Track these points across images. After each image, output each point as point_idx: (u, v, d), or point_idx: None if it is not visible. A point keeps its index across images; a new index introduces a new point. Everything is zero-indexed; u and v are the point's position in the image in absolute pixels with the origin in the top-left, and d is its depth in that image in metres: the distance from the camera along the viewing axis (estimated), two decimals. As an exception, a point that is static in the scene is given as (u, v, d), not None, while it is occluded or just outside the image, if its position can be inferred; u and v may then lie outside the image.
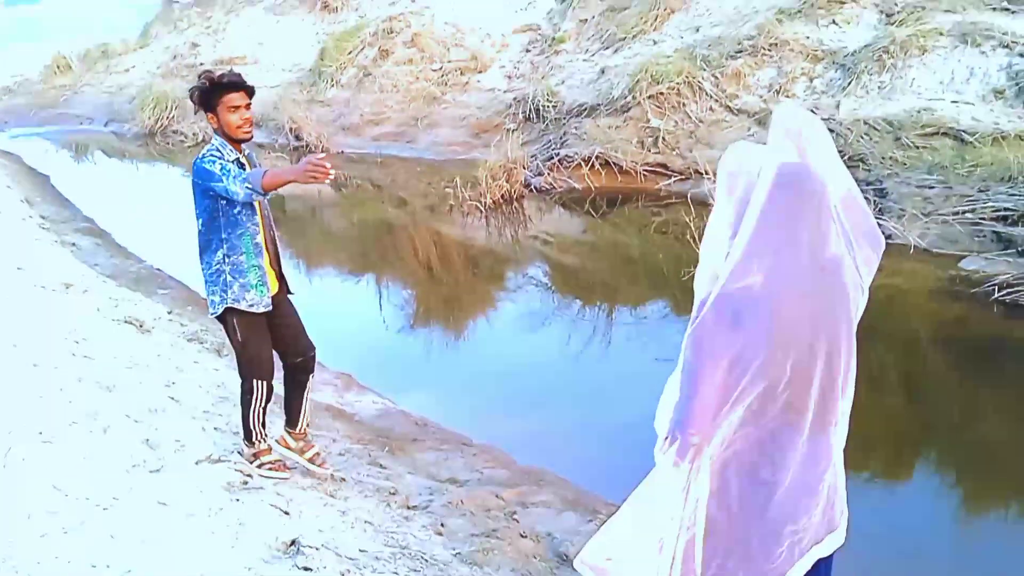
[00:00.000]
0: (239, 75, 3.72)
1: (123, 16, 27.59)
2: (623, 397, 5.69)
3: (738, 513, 2.00)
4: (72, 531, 2.97)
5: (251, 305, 3.75)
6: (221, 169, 3.53)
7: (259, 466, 4.04)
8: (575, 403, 5.82)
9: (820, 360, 1.96)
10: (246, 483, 3.90)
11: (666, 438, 2.01)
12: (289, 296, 4.00)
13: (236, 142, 3.69)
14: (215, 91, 3.61)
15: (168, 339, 6.14)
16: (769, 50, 11.35)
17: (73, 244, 9.34)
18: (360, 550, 3.45)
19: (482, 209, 10.41)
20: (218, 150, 3.66)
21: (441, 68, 15.34)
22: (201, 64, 19.11)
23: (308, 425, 4.21)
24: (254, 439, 4.03)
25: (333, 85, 16.22)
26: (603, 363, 6.51)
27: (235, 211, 3.67)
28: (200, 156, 3.64)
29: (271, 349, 3.93)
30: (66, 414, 4.05)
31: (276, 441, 4.15)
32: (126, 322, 6.16)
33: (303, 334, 4.02)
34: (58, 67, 22.54)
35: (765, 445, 1.97)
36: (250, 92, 3.69)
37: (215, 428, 4.56)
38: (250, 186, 3.46)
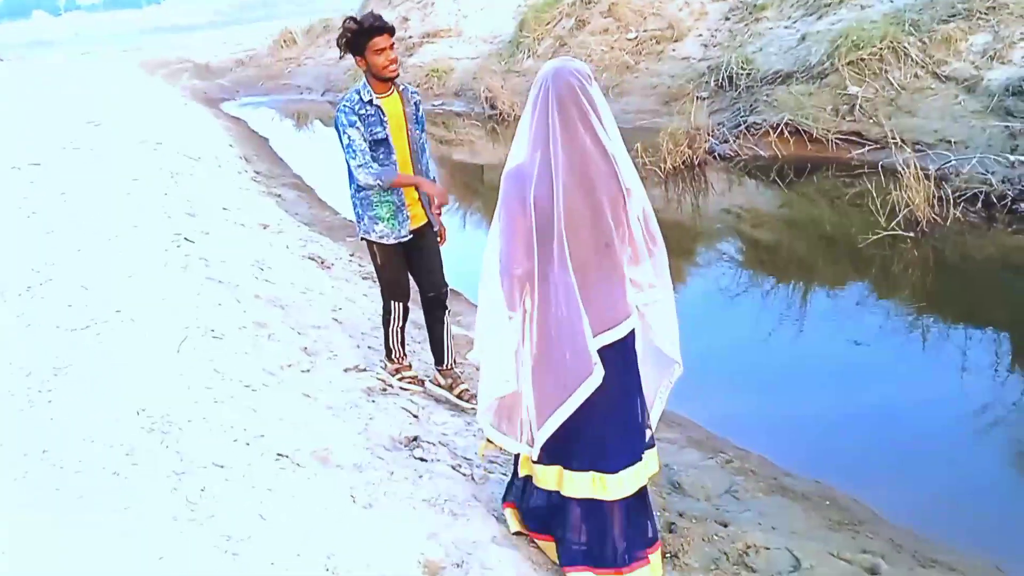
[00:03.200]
0: (382, 19, 3.94)
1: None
2: (805, 373, 5.50)
3: (542, 325, 2.72)
4: (221, 402, 3.47)
5: (380, 237, 4.06)
6: (349, 143, 3.87)
7: (399, 379, 4.41)
8: (739, 370, 5.58)
9: (592, 213, 2.67)
10: (385, 391, 4.30)
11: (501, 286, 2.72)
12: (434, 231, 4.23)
13: (383, 81, 3.92)
14: (362, 36, 3.81)
15: (344, 275, 6.71)
16: (986, 13, 10.56)
17: (279, 195, 10.27)
18: (475, 452, 3.74)
19: (660, 174, 10.41)
20: (355, 98, 3.92)
21: (636, 37, 15.36)
22: (410, 37, 20.26)
23: (455, 362, 4.46)
24: (393, 356, 4.41)
25: (530, 55, 16.62)
26: (792, 343, 6.07)
27: (371, 150, 3.94)
28: (339, 105, 3.96)
29: (407, 274, 4.25)
30: (239, 320, 4.62)
31: (430, 381, 4.47)
32: (309, 259, 6.78)
33: (438, 270, 4.24)
34: (284, 41, 24.50)
35: (563, 275, 2.65)
36: (392, 33, 3.90)
37: (369, 347, 5.00)
38: (379, 181, 3.86)
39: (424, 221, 4.18)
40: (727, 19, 14.83)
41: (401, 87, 4.05)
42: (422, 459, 3.54)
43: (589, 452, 2.81)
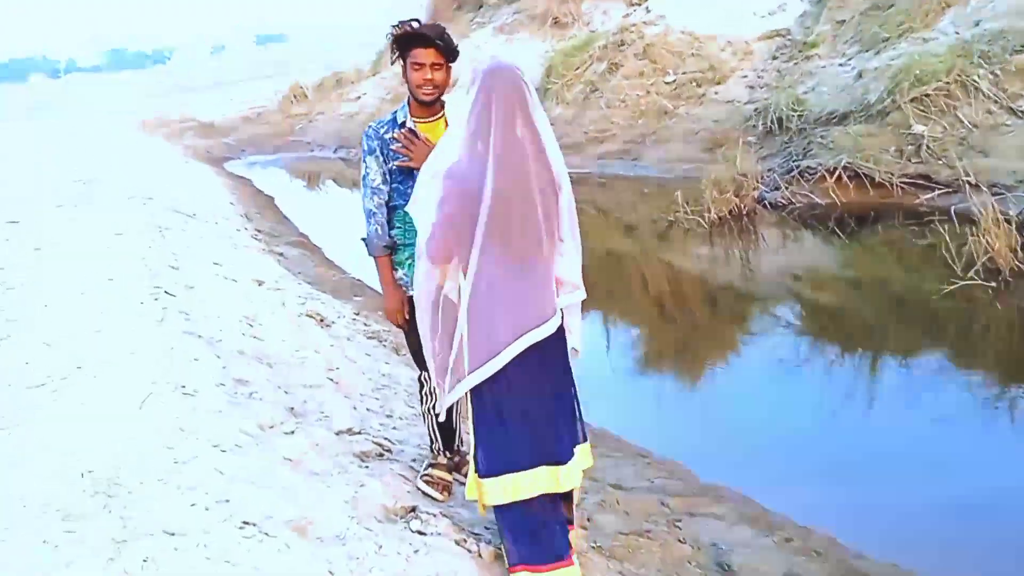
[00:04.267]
0: (438, 28, 3.54)
1: (363, 48, 30.08)
2: (875, 448, 5.19)
3: (474, 300, 3.06)
4: (182, 463, 3.27)
5: (403, 284, 3.74)
6: (364, 173, 3.68)
7: (423, 475, 3.96)
8: (800, 445, 5.37)
9: (526, 210, 3.02)
10: (382, 455, 4.07)
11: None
12: None
13: (424, 104, 3.57)
14: (404, 42, 3.51)
15: (346, 333, 6.55)
16: (1066, 41, 10.41)
17: (280, 254, 10.21)
18: (485, 526, 3.49)
19: (704, 226, 10.23)
20: (386, 119, 3.68)
21: (675, 80, 15.41)
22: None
23: (461, 440, 4.15)
24: (432, 446, 4.01)
25: (559, 103, 16.71)
26: (859, 416, 5.76)
27: (395, 181, 3.68)
28: (368, 128, 3.71)
29: None
30: (216, 377, 4.45)
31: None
32: (307, 316, 6.63)
33: None
34: (295, 96, 24.99)
35: (485, 264, 3.02)
36: (445, 51, 3.51)
37: (367, 409, 4.81)
38: (367, 243, 3.70)
39: None
40: (775, 58, 14.85)
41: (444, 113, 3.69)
42: (420, 532, 3.30)
43: (536, 448, 3.16)
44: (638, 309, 8.70)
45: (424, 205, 3.13)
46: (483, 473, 3.16)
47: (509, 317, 3.07)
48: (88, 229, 8.23)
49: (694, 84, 15.11)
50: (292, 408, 4.43)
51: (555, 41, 19.03)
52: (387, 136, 3.60)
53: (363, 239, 3.70)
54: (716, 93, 14.78)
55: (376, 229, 3.65)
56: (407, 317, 3.69)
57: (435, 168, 3.12)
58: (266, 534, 2.86)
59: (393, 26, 3.54)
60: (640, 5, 18.08)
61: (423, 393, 3.86)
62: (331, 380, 5.13)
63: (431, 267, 3.12)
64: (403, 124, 3.60)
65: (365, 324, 7.17)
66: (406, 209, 3.38)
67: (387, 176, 3.63)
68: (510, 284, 3.06)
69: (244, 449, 3.60)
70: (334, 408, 4.61)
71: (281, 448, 3.76)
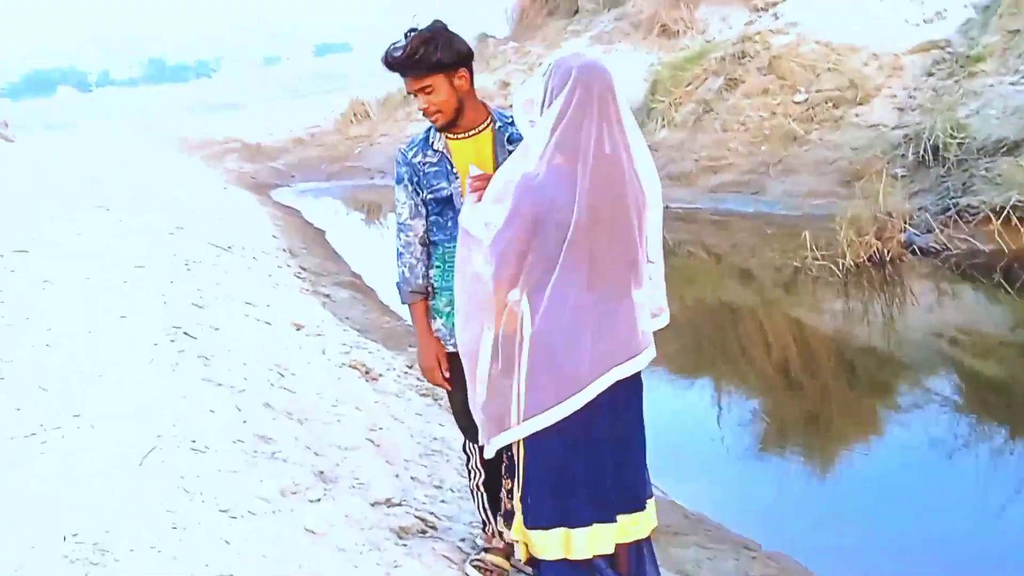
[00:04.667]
0: (412, 47, 3.41)
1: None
2: None
3: (547, 331, 3.15)
4: (182, 528, 3.29)
5: (439, 336, 3.74)
6: (396, 206, 3.70)
7: (473, 559, 3.91)
8: (952, 549, 5.20)
9: (619, 229, 3.17)
10: (424, 532, 4.06)
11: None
12: None
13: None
14: (392, 70, 3.52)
15: (395, 389, 6.60)
16: None
17: (327, 295, 10.38)
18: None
19: (837, 274, 10.06)
20: (416, 140, 3.70)
21: (806, 100, 15.30)
22: (511, 106, 20.73)
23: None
24: (485, 528, 3.98)
25: (665, 124, 16.75)
26: None
27: (432, 212, 3.69)
28: (398, 151, 3.75)
29: None
30: (234, 432, 4.51)
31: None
32: (350, 367, 6.70)
33: None
34: (355, 115, 25.51)
35: (570, 289, 3.13)
36: (417, 73, 3.44)
37: (412, 477, 4.83)
38: (399, 287, 3.77)
39: None
40: (930, 75, 14.65)
41: (499, 123, 3.67)
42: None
43: (598, 501, 3.27)
44: (757, 374, 8.57)
45: (488, 214, 3.23)
46: (531, 525, 3.28)
47: (596, 349, 3.17)
48: (105, 260, 8.47)
49: (830, 105, 14.97)
50: (322, 472, 4.46)
51: (663, 52, 19.15)
52: (417, 161, 3.62)
53: (396, 284, 3.77)
54: (857, 116, 14.62)
55: (404, 272, 3.71)
56: (446, 375, 3.70)
57: (508, 176, 3.23)
58: (274, 617, 2.86)
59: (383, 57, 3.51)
60: (766, 11, 18.06)
61: (470, 467, 3.87)
62: (371, 442, 5.17)
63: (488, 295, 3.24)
64: (433, 144, 3.62)
65: (419, 379, 7.20)
66: (461, 223, 3.39)
67: (419, 208, 3.66)
68: (596, 312, 3.18)
69: (258, 516, 3.62)
70: (372, 474, 4.63)
71: (303, 518, 3.78)
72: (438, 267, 3.69)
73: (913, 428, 6.98)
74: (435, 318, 3.74)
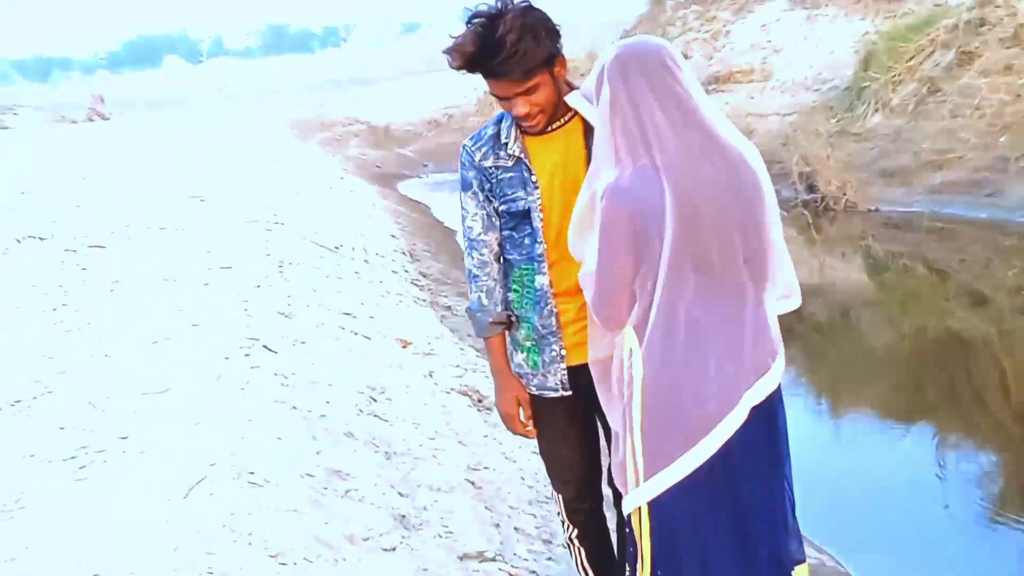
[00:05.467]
0: (509, 49, 3.17)
1: (612, 27, 30.74)
2: None
3: (661, 363, 3.09)
4: (220, 575, 3.37)
5: (520, 374, 3.70)
6: (463, 216, 3.62)
7: None
8: None
9: (719, 218, 3.06)
10: (523, 595, 4.08)
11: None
12: None
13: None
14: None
15: (512, 422, 6.63)
16: None
17: (447, 307, 10.51)
18: None
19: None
20: (485, 135, 3.55)
21: (1065, 81, 14.78)
22: (690, 84, 20.72)
23: None
24: None
25: (879, 108, 16.44)
26: None
27: (507, 227, 3.59)
28: (463, 148, 3.58)
29: (574, 449, 3.78)
30: (303, 464, 4.61)
31: None
32: (461, 393, 6.78)
33: None
34: (500, 94, 25.72)
35: (680, 304, 3.06)
36: (521, 79, 3.22)
37: (515, 528, 4.84)
38: (471, 315, 3.71)
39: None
40: None
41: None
42: None
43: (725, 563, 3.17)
44: (991, 423, 8.25)
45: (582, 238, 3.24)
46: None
47: (722, 374, 3.10)
48: (187, 259, 8.80)
49: (1094, 85, 14.44)
50: (403, 516, 4.51)
51: (879, 19, 18.74)
52: (488, 165, 3.49)
53: (467, 310, 3.75)
54: None
55: (481, 297, 3.62)
56: (524, 422, 3.70)
57: (592, 187, 3.20)
58: None
59: (447, 53, 3.31)
60: (1015, -35, 17.55)
61: (561, 519, 3.87)
62: (471, 483, 5.20)
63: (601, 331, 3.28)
64: (506, 144, 3.45)
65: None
66: (573, 249, 3.31)
67: (494, 220, 3.56)
68: (716, 326, 3.11)
69: (315, 565, 3.70)
70: (465, 521, 4.68)
71: (371, 569, 3.84)
72: (516, 291, 3.61)
73: None
74: (515, 352, 3.69)
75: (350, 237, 12.24)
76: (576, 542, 3.82)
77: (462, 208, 3.60)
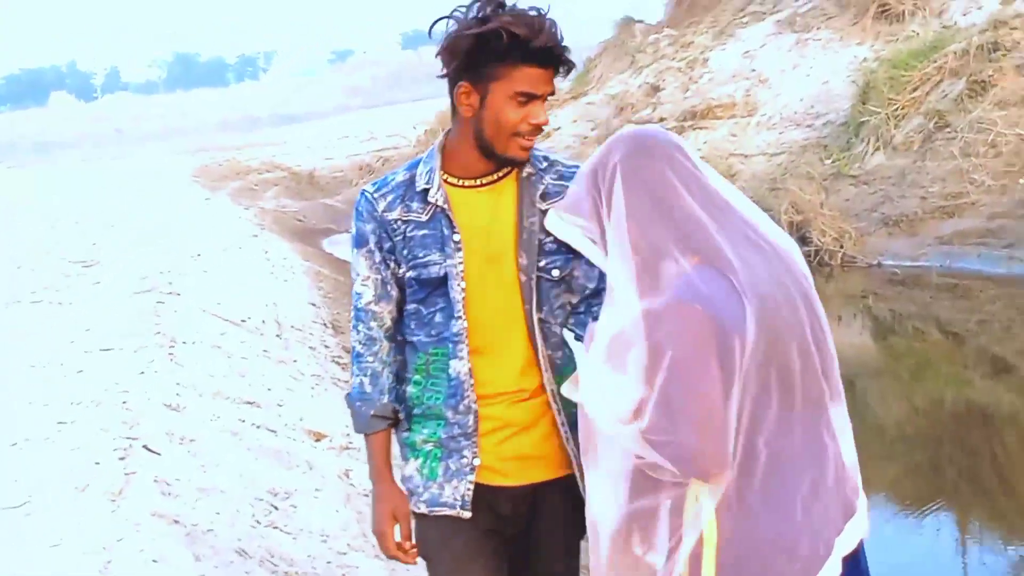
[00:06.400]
0: (558, 34, 3.18)
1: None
2: None
3: (740, 515, 2.82)
4: None
5: (409, 490, 3.41)
6: (353, 277, 3.42)
7: None
8: None
9: (788, 309, 2.86)
10: None
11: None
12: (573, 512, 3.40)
13: (491, 157, 3.28)
14: (507, 53, 3.13)
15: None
16: None
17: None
18: None
19: None
20: (392, 181, 3.37)
21: (1087, 110, 15.03)
22: (662, 120, 20.86)
23: None
24: None
25: (880, 147, 16.61)
26: None
27: (413, 298, 3.38)
28: (360, 195, 3.42)
29: None
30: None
31: None
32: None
33: None
34: (443, 130, 25.82)
35: (761, 434, 2.82)
36: (559, 68, 3.23)
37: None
38: (350, 404, 3.43)
39: (536, 478, 3.39)
40: None
41: (527, 170, 3.36)
42: None
43: None
44: (1020, 508, 8.35)
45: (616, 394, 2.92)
46: None
47: (811, 517, 2.89)
48: (62, 341, 8.74)
49: None
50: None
51: (880, 44, 18.98)
52: (394, 217, 3.31)
53: (346, 397, 3.49)
54: None
55: (362, 383, 3.39)
56: (406, 546, 3.39)
57: (615, 322, 2.95)
58: None
59: (482, 7, 3.12)
60: (1030, -16, 17.88)
61: None
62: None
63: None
64: (425, 193, 3.27)
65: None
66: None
67: (390, 286, 3.36)
68: (800, 462, 2.91)
69: None
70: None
71: None
72: (418, 383, 3.37)
73: None
74: (408, 459, 3.40)
75: (260, 308, 12.18)
76: None
77: (354, 270, 3.37)
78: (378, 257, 3.30)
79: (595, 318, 3.18)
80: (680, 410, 2.75)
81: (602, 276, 3.19)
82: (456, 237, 3.23)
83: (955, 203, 15.04)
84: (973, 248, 14.37)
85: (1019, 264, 13.76)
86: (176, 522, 5.26)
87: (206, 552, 5.06)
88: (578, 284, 3.36)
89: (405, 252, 3.26)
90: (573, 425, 3.21)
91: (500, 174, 3.29)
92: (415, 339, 3.33)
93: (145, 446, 6.19)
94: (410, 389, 3.35)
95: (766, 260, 2.86)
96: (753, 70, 20.74)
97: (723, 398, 2.74)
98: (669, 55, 23.33)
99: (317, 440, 7.61)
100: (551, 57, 3.13)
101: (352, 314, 3.39)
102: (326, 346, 11.82)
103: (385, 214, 3.27)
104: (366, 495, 6.68)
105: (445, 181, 3.25)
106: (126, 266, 12.78)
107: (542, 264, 3.27)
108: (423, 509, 3.32)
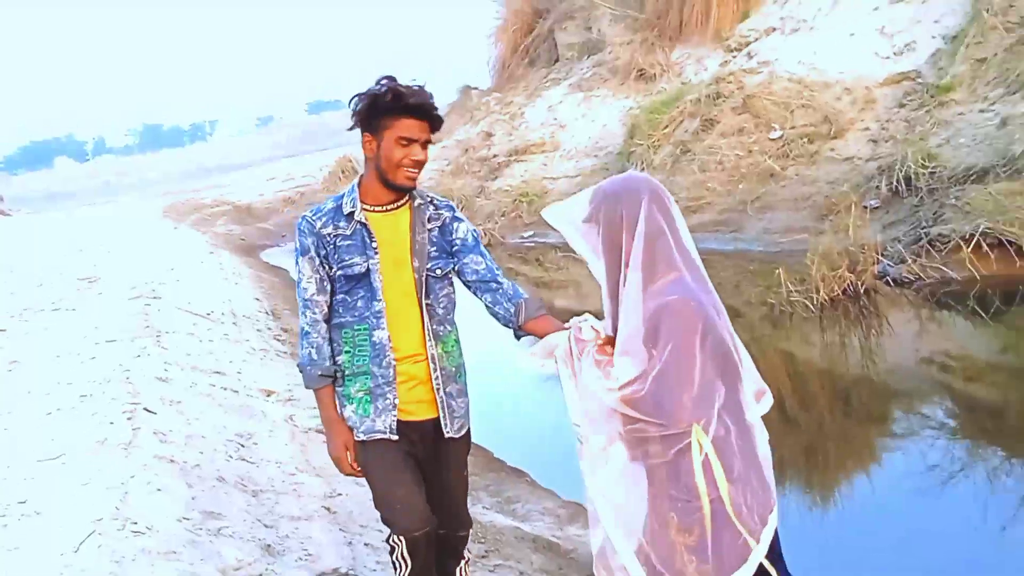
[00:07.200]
0: (430, 98, 3.38)
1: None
2: None
3: (730, 455, 2.85)
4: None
5: (351, 425, 3.50)
6: (298, 278, 3.47)
7: None
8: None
9: (726, 330, 2.91)
10: (368, 604, 4.04)
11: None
12: (455, 440, 3.61)
13: (391, 187, 3.39)
14: (386, 110, 3.30)
15: (362, 453, 6.57)
16: None
17: (307, 358, 10.37)
18: None
19: (811, 309, 10.04)
20: (325, 207, 3.48)
21: (782, 136, 15.36)
22: (495, 156, 20.91)
23: None
24: None
25: (644, 167, 16.76)
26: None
27: (341, 290, 3.46)
28: (301, 219, 3.49)
29: (408, 488, 3.50)
30: (180, 510, 4.51)
31: None
32: (316, 431, 6.67)
33: (454, 498, 3.71)
34: (343, 172, 25.60)
35: (738, 406, 2.90)
36: (434, 125, 3.40)
37: (365, 543, 4.79)
38: (301, 370, 3.52)
39: (434, 415, 3.53)
40: (902, 106, 14.72)
41: (418, 201, 3.49)
42: None
43: None
44: (794, 421, 8.41)
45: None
46: None
47: (764, 480, 2.94)
48: (75, 336, 8.52)
49: (805, 140, 15.02)
50: (269, 546, 4.43)
51: (640, 96, 19.22)
52: (327, 232, 3.38)
53: (298, 365, 3.55)
54: (832, 150, 14.66)
55: (310, 353, 3.45)
56: (355, 466, 3.51)
57: (636, 317, 2.93)
58: None
59: (379, 82, 3.32)
60: (740, 51, 18.21)
61: (394, 558, 3.51)
62: (327, 509, 5.13)
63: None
64: (350, 215, 3.37)
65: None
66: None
67: (326, 284, 3.42)
68: (752, 436, 2.94)
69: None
70: (322, 544, 4.61)
71: (239, 596, 3.76)
72: (347, 352, 3.45)
73: (910, 454, 6.88)
74: (345, 405, 3.49)
75: (219, 303, 11.99)
76: None
77: (298, 271, 3.44)
78: (317, 261, 3.39)
79: (481, 292, 3.53)
80: (675, 378, 2.78)
81: (474, 271, 3.51)
82: (374, 244, 3.37)
83: (697, 203, 15.25)
84: (711, 234, 14.55)
85: (741, 243, 14.03)
86: (172, 461, 5.17)
87: (195, 481, 4.99)
88: (461, 272, 3.54)
89: (335, 257, 3.37)
90: (446, 378, 3.53)
91: (399, 203, 3.44)
92: (342, 320, 3.44)
93: (145, 408, 6.07)
94: (342, 358, 3.46)
95: (702, 277, 2.92)
96: (555, 119, 20.88)
97: (703, 370, 2.79)
98: (497, 111, 23.35)
99: (268, 396, 7.52)
100: (424, 111, 3.30)
101: (300, 304, 3.48)
102: (269, 328, 11.64)
103: (321, 230, 3.37)
104: (305, 432, 6.68)
105: (363, 206, 3.38)
106: (120, 280, 12.46)
107: (429, 266, 3.44)
108: (362, 437, 3.45)
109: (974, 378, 8.49)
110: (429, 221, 3.48)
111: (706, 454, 2.81)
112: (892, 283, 10.51)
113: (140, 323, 9.21)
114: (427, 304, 3.46)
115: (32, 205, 43.25)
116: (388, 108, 3.28)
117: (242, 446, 5.91)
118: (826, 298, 10.16)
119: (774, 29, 18.13)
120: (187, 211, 27.05)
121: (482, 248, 3.58)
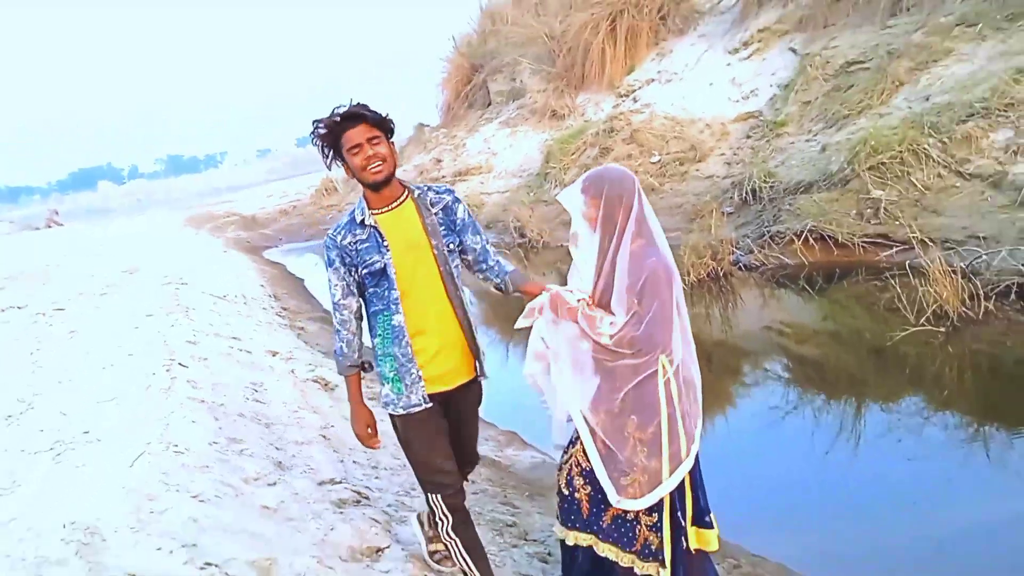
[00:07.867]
0: (358, 106, 3.09)
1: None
2: (863, 493, 5.03)
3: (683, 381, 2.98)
4: (159, 512, 3.24)
5: (385, 404, 3.30)
6: (329, 288, 3.25)
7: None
8: (796, 490, 5.17)
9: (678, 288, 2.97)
10: (359, 502, 4.02)
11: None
12: (478, 385, 3.42)
13: (376, 189, 3.12)
14: (332, 135, 3.07)
15: (347, 395, 6.52)
16: (1005, 111, 10.40)
17: (301, 328, 10.25)
18: (443, 567, 3.42)
19: (684, 287, 10.16)
20: (343, 222, 3.22)
21: (660, 160, 15.48)
22: (443, 177, 20.80)
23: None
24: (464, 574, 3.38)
25: (557, 185, 16.82)
26: (848, 462, 5.57)
27: (370, 285, 3.19)
28: (327, 237, 3.24)
29: (445, 455, 3.29)
30: (210, 436, 4.44)
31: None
32: (313, 381, 6.63)
33: (472, 444, 3.55)
34: (325, 190, 25.34)
35: (688, 342, 3.03)
36: (376, 124, 3.07)
37: (354, 461, 4.77)
38: (336, 360, 3.33)
39: (458, 382, 3.28)
40: (748, 137, 14.91)
41: (417, 192, 3.23)
42: (385, 572, 3.23)
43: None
44: None
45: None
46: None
47: (697, 398, 3.07)
48: (121, 312, 8.35)
49: (677, 163, 15.16)
50: (280, 462, 4.40)
51: (553, 131, 19.24)
52: (347, 242, 3.13)
53: (334, 354, 3.33)
54: (697, 170, 14.81)
55: (341, 347, 3.25)
56: (373, 437, 3.34)
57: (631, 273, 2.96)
58: (226, 573, 2.82)
59: (315, 123, 3.09)
60: (628, 96, 18.33)
61: (437, 518, 3.29)
62: (323, 436, 5.10)
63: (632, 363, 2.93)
64: (362, 222, 3.14)
65: (367, 387, 7.16)
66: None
67: (351, 287, 3.19)
68: (692, 363, 3.05)
69: (223, 500, 3.57)
70: (320, 461, 4.58)
71: (261, 498, 3.73)
72: (380, 336, 3.20)
73: (756, 399, 7.03)
74: (383, 384, 3.28)
75: (233, 289, 11.81)
76: (452, 534, 3.28)
77: (329, 281, 3.20)
78: (343, 271, 3.15)
79: (477, 268, 3.35)
80: (661, 322, 2.85)
81: (472, 248, 3.29)
82: (385, 243, 3.11)
83: (597, 211, 15.35)
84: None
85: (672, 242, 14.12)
86: (202, 401, 5.09)
87: (220, 416, 4.91)
88: (464, 251, 3.29)
89: (358, 260, 3.12)
90: (469, 325, 3.26)
91: (400, 200, 3.17)
92: (376, 309, 3.18)
93: (179, 363, 5.97)
94: (376, 341, 3.23)
95: (666, 245, 3.00)
96: (489, 148, 20.82)
97: (674, 316, 2.87)
98: (444, 142, 23.21)
99: (273, 355, 7.43)
100: (354, 118, 3.01)
101: (332, 307, 3.26)
102: (272, 307, 11.49)
103: (342, 242, 3.13)
104: (304, 381, 6.60)
105: (372, 213, 3.14)
106: (155, 271, 12.23)
107: (445, 242, 3.20)
108: (401, 412, 3.23)
109: (804, 340, 8.65)
110: (432, 205, 3.22)
111: (668, 377, 2.90)
112: (743, 268, 10.68)
113: (172, 302, 9.05)
114: (449, 272, 3.20)
115: (80, 219, 42.13)
116: (331, 136, 3.06)
117: (255, 391, 5.84)
118: (695, 280, 10.31)
119: (653, 80, 18.23)
120: (204, 221, 26.53)
121: (478, 226, 3.38)
